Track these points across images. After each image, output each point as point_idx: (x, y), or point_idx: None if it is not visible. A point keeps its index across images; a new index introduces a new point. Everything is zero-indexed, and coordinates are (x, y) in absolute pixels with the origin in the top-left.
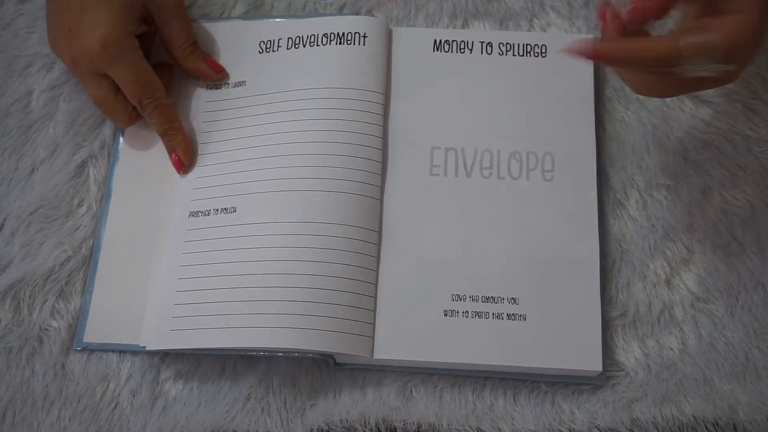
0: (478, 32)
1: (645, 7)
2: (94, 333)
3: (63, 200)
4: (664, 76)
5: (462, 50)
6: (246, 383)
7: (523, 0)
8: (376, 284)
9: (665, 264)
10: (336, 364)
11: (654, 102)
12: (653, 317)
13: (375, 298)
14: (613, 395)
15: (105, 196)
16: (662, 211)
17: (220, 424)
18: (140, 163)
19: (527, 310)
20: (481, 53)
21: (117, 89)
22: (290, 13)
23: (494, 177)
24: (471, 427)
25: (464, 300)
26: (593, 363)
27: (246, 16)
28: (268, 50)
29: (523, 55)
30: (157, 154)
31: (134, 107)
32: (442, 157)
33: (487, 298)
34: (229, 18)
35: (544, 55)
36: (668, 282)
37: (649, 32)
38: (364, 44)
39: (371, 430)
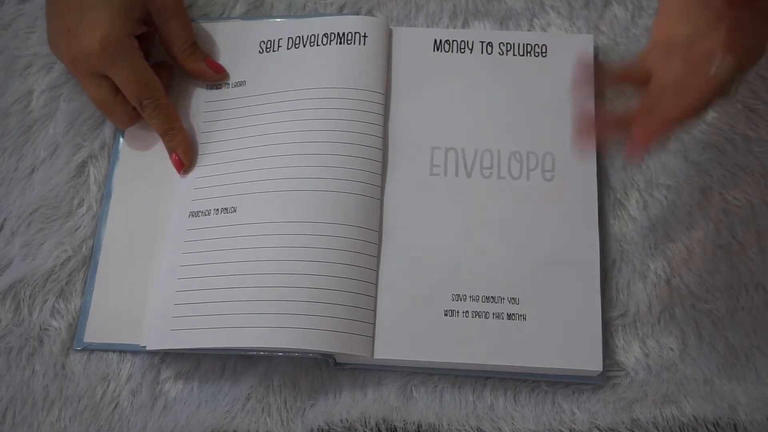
0: (478, 32)
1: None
2: (94, 333)
3: (63, 200)
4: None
5: (462, 50)
6: (246, 383)
7: (524, 0)
8: (376, 284)
9: (665, 264)
10: (336, 364)
11: None
12: (653, 317)
13: (375, 298)
14: (614, 395)
15: (105, 196)
16: (662, 211)
17: (221, 424)
18: (140, 163)
19: (527, 310)
20: (482, 53)
21: (117, 90)
22: (290, 13)
23: (494, 177)
24: (471, 427)
25: (464, 300)
26: (593, 363)
27: (246, 16)
28: (268, 50)
29: (523, 55)
30: (157, 155)
31: (134, 108)
32: (442, 157)
33: (488, 298)
34: (229, 18)
35: (544, 55)
36: (668, 282)
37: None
38: (364, 44)
39: (371, 430)
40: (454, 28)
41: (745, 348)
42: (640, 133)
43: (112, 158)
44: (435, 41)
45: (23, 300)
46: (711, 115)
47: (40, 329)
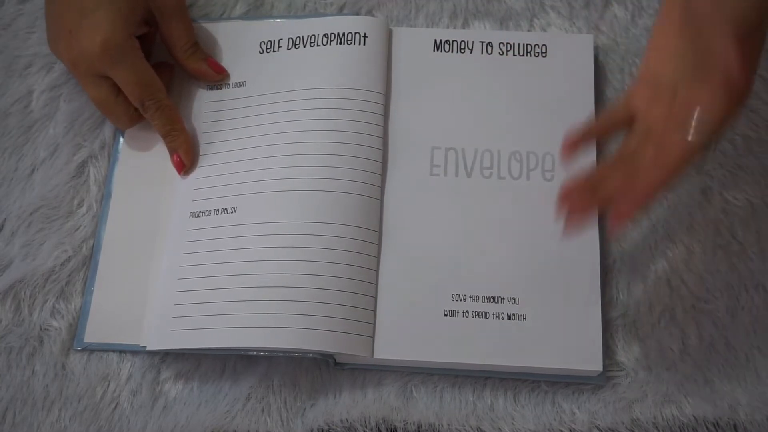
0: (478, 32)
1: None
2: (94, 333)
3: (63, 200)
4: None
5: (462, 50)
6: (246, 383)
7: (524, 0)
8: (376, 284)
9: (665, 264)
10: (336, 364)
11: None
12: (654, 317)
13: (375, 298)
14: (614, 395)
15: (105, 197)
16: (662, 211)
17: (221, 424)
18: (140, 163)
19: (528, 310)
20: (482, 53)
21: (118, 91)
22: (290, 14)
23: (494, 177)
24: (471, 427)
25: (464, 300)
26: (594, 363)
27: (246, 16)
28: (268, 50)
29: (523, 55)
30: (158, 155)
31: (135, 108)
32: (442, 157)
33: (488, 298)
34: (229, 18)
35: (544, 55)
36: (669, 282)
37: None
38: (364, 44)
39: (371, 430)
40: (454, 28)
41: (745, 348)
42: (621, 210)
43: (112, 158)
44: (435, 41)
45: (23, 300)
46: None
47: (40, 329)
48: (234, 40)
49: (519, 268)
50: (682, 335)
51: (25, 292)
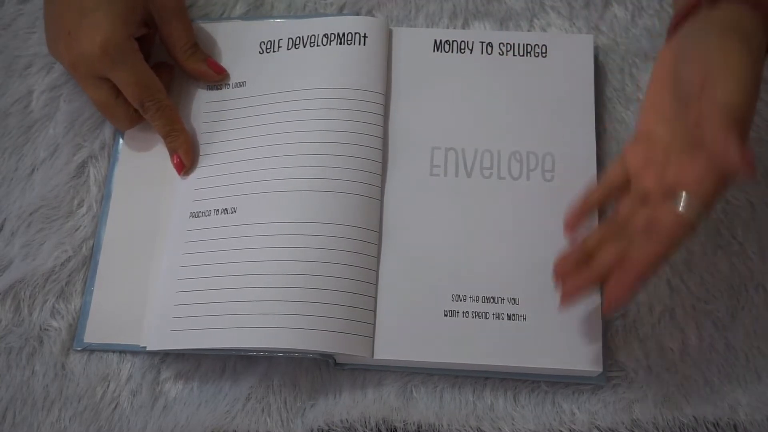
0: (478, 32)
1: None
2: (94, 333)
3: (63, 200)
4: None
5: (462, 50)
6: (246, 383)
7: (524, 0)
8: (376, 284)
9: (666, 264)
10: (336, 364)
11: None
12: (654, 318)
13: (375, 298)
14: (614, 396)
15: (105, 197)
16: None
17: (221, 424)
18: (140, 164)
19: (528, 311)
20: (482, 53)
21: (117, 92)
22: (290, 14)
23: (494, 177)
24: (471, 427)
25: (464, 300)
26: (594, 363)
27: (246, 16)
28: (268, 50)
29: (523, 55)
30: (157, 155)
31: (135, 109)
32: (442, 157)
33: (488, 298)
34: (229, 18)
35: (544, 55)
36: (669, 282)
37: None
38: (364, 44)
39: (371, 430)
40: (454, 28)
41: (745, 348)
42: (616, 291)
43: (112, 158)
44: (435, 41)
45: (23, 300)
46: None
47: (40, 329)
48: (234, 40)
49: (519, 268)
50: (682, 335)
51: (25, 292)
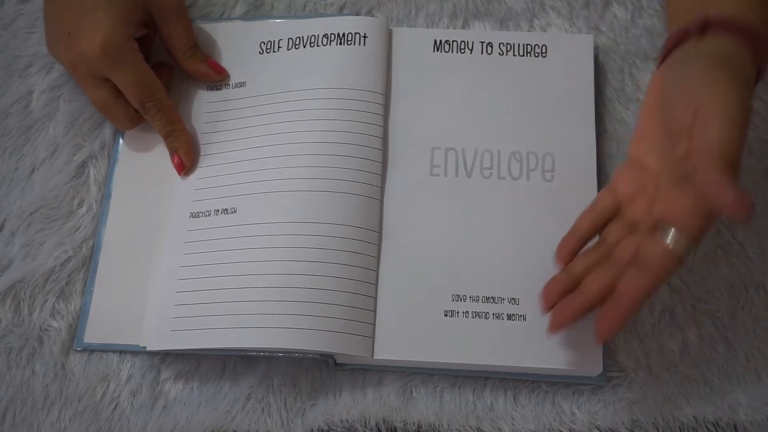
0: (478, 32)
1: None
2: (94, 333)
3: (63, 200)
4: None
5: (462, 50)
6: (246, 383)
7: (524, 0)
8: (376, 284)
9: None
10: (336, 364)
11: None
12: (654, 318)
13: (375, 298)
14: (614, 396)
15: (105, 197)
16: None
17: (221, 425)
18: (140, 164)
19: (528, 311)
20: (482, 53)
21: (118, 92)
22: (290, 14)
23: (494, 177)
24: (471, 428)
25: (464, 300)
26: (594, 363)
27: (246, 16)
28: (268, 51)
29: (523, 55)
30: (157, 155)
31: (135, 110)
32: (442, 157)
33: (488, 299)
34: (229, 19)
35: (544, 55)
36: (669, 282)
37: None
38: (364, 44)
39: (371, 430)
40: (454, 28)
41: (745, 348)
42: (605, 326)
43: (112, 158)
44: (435, 41)
45: (23, 300)
46: None
47: (40, 329)
48: (234, 40)
49: (519, 268)
50: (682, 335)
51: (25, 292)
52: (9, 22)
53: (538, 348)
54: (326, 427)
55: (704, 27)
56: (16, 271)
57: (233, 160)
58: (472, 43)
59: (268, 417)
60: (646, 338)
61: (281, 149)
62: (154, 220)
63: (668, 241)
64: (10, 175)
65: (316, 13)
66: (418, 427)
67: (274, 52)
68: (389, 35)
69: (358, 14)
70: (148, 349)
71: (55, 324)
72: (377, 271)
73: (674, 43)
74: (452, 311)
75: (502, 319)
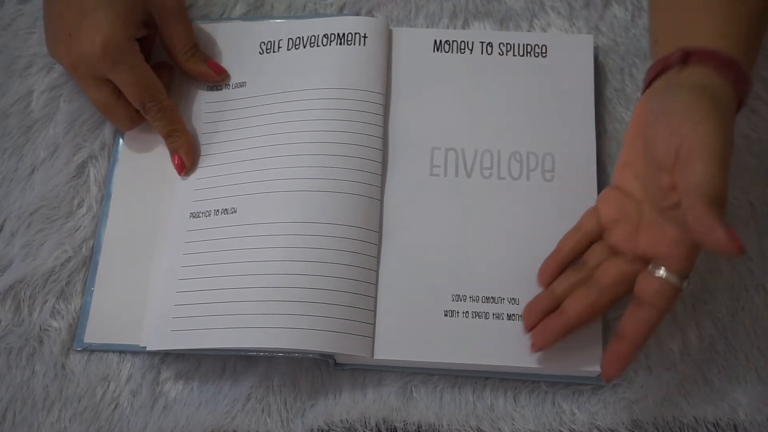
0: (478, 32)
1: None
2: (94, 333)
3: (63, 201)
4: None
5: (462, 50)
6: (246, 383)
7: (524, 0)
8: (376, 284)
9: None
10: (336, 364)
11: None
12: None
13: (375, 298)
14: (614, 396)
15: (105, 197)
16: None
17: (221, 425)
18: (140, 164)
19: None
20: (482, 53)
21: (118, 93)
22: (290, 14)
23: (494, 177)
24: (471, 428)
25: (464, 300)
26: (593, 363)
27: (246, 16)
28: (268, 51)
29: (523, 56)
30: (158, 155)
31: (136, 110)
32: (442, 157)
33: (488, 299)
34: (229, 19)
35: (544, 55)
36: None
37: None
38: (364, 45)
39: (371, 430)
40: (454, 28)
41: (745, 348)
42: (613, 364)
43: (112, 159)
44: (435, 41)
45: (23, 300)
46: None
47: (40, 329)
48: (234, 40)
49: (519, 268)
50: (682, 335)
51: (25, 293)
52: (9, 22)
53: None
54: (326, 427)
55: (685, 57)
56: (16, 271)
57: (233, 160)
58: (472, 43)
59: (268, 417)
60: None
61: (281, 149)
62: (154, 220)
63: (662, 275)
64: (10, 175)
65: (316, 13)
66: (418, 427)
67: (274, 52)
68: (389, 35)
69: (358, 14)
70: (148, 349)
71: (55, 324)
72: (377, 271)
73: (657, 72)
74: (452, 311)
75: (502, 319)
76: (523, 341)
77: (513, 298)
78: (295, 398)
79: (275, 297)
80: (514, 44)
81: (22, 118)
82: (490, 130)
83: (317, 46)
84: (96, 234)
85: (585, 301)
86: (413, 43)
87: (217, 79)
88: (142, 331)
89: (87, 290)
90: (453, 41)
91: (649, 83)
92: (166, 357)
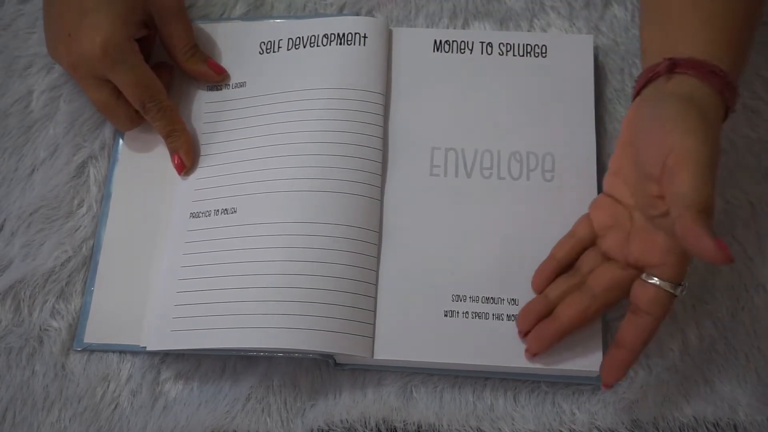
0: (478, 32)
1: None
2: (94, 333)
3: (63, 201)
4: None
5: (462, 50)
6: (246, 383)
7: (524, 0)
8: (376, 284)
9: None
10: (336, 364)
11: None
12: None
13: (375, 298)
14: (614, 396)
15: (105, 197)
16: None
17: (221, 425)
18: (140, 164)
19: None
20: (482, 53)
21: (118, 93)
22: (290, 14)
23: (494, 177)
24: (471, 428)
25: (464, 300)
26: (594, 363)
27: (246, 16)
28: (268, 51)
29: (523, 56)
30: (158, 155)
31: (136, 110)
32: (442, 157)
33: (488, 299)
34: (229, 19)
35: (544, 55)
36: None
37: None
38: (364, 45)
39: (371, 430)
40: (454, 28)
41: (745, 348)
42: (612, 371)
43: (112, 159)
44: (435, 41)
45: (23, 300)
46: None
47: (40, 329)
48: (234, 40)
49: (519, 268)
50: (682, 335)
51: (25, 293)
52: (9, 22)
53: None
54: (326, 427)
55: (672, 67)
56: (16, 271)
57: (233, 160)
58: (472, 43)
59: (268, 417)
60: None
61: (281, 149)
62: (154, 220)
63: (655, 283)
64: (10, 175)
65: (316, 13)
66: (418, 427)
67: (274, 52)
68: (389, 35)
69: (358, 14)
70: (148, 349)
71: (55, 324)
72: (377, 271)
73: (645, 80)
74: (452, 311)
75: (502, 319)
76: (523, 342)
77: (513, 299)
78: (295, 398)
79: (275, 297)
80: (514, 44)
81: (22, 118)
82: (490, 130)
83: (317, 46)
84: (96, 234)
85: (578, 306)
86: (413, 43)
87: (217, 79)
88: (142, 331)
89: (87, 290)
90: (453, 41)
91: (638, 91)
92: (166, 357)
